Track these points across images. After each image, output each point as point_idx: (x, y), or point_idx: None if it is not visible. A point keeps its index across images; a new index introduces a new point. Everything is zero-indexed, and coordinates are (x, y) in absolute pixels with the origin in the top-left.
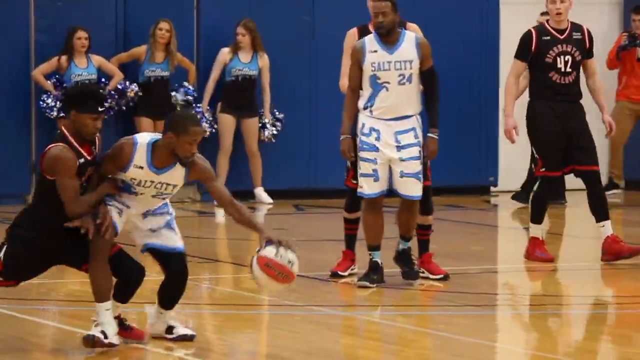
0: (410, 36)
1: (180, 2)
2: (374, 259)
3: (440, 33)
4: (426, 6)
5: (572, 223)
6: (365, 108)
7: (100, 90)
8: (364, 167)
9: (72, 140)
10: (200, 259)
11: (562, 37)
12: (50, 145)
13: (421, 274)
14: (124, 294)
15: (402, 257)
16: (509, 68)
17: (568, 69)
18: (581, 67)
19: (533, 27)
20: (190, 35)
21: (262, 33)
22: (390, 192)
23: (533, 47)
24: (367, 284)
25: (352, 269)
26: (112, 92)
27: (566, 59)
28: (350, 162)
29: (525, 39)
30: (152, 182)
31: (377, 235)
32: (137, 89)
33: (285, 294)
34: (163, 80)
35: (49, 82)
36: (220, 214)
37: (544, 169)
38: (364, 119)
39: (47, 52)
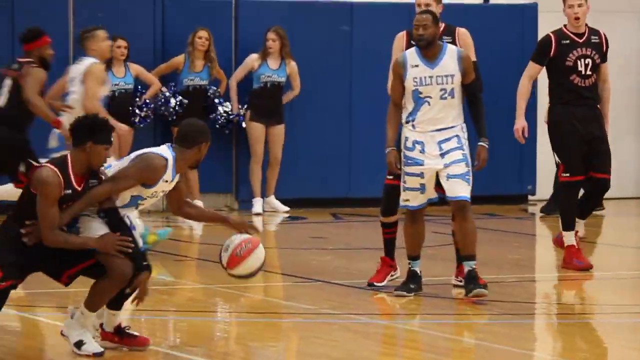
0: (452, 50)
1: (218, 12)
2: (412, 268)
3: (478, 42)
4: (464, 16)
5: (609, 232)
6: (407, 122)
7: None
8: (409, 182)
9: (70, 170)
10: None
11: (581, 41)
12: (44, 164)
13: (459, 283)
14: (117, 300)
15: (468, 278)
16: (545, 76)
17: (588, 72)
18: None
19: (552, 32)
20: (229, 44)
21: (301, 43)
22: (442, 201)
23: (552, 52)
24: (404, 293)
25: (392, 276)
26: (148, 102)
27: (586, 62)
28: (396, 174)
29: (544, 43)
30: (164, 191)
31: (417, 245)
32: (179, 101)
33: (322, 303)
34: (201, 89)
35: None
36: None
37: (567, 174)
38: (407, 133)
39: None
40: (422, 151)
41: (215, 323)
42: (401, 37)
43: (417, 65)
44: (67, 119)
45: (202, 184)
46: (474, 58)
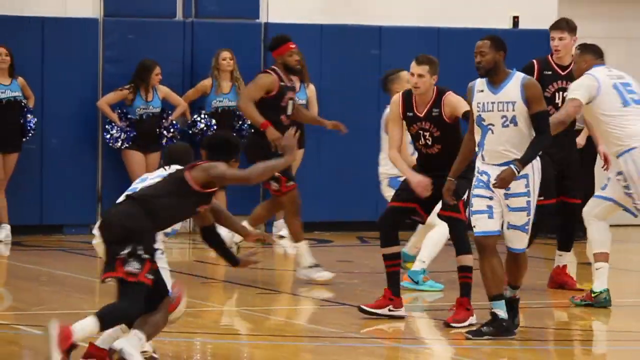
0: (518, 77)
1: (247, 35)
2: (492, 310)
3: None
4: None
5: (635, 258)
6: (478, 151)
7: None
8: (477, 204)
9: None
10: (262, 289)
11: (563, 74)
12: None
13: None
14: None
15: (507, 305)
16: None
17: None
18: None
19: (537, 59)
20: (257, 68)
21: (331, 66)
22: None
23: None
24: (470, 336)
25: (390, 310)
26: (175, 123)
27: (564, 95)
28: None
29: (528, 68)
30: None
31: (494, 283)
32: (211, 122)
33: (348, 327)
34: (230, 111)
35: (114, 113)
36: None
37: (541, 198)
38: (478, 162)
39: (115, 83)
40: (489, 181)
41: (240, 345)
42: (396, 100)
43: (482, 91)
44: (385, 164)
45: (228, 206)
46: (463, 110)
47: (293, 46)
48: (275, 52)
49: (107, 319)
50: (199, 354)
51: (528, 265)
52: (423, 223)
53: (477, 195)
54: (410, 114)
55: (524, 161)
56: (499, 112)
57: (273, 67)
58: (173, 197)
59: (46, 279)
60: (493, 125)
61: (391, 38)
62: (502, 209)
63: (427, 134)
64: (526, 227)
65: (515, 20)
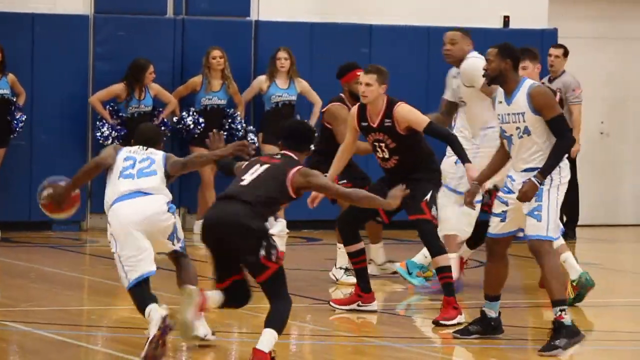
0: (525, 85)
1: (237, 33)
2: (482, 308)
3: None
4: (483, 41)
5: (624, 258)
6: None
7: None
8: (495, 206)
9: None
10: (251, 287)
11: None
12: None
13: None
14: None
15: (553, 328)
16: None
17: None
18: None
19: None
20: (248, 65)
21: (320, 64)
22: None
23: None
24: (458, 335)
25: (358, 305)
26: (166, 121)
27: None
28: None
29: None
30: None
31: (493, 284)
32: (199, 120)
33: (337, 325)
34: (219, 109)
35: (105, 110)
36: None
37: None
38: (510, 167)
39: (106, 80)
40: (512, 184)
41: (229, 344)
42: (354, 110)
43: (500, 102)
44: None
45: (216, 189)
46: (422, 125)
47: (360, 73)
48: (343, 80)
49: (281, 325)
50: (185, 352)
51: (520, 264)
52: (384, 224)
53: (498, 199)
54: (365, 124)
55: (545, 171)
56: (513, 123)
57: (340, 95)
58: (275, 202)
59: (35, 276)
60: (512, 136)
61: (381, 37)
62: (520, 214)
63: (382, 144)
64: (535, 213)
65: (506, 19)
